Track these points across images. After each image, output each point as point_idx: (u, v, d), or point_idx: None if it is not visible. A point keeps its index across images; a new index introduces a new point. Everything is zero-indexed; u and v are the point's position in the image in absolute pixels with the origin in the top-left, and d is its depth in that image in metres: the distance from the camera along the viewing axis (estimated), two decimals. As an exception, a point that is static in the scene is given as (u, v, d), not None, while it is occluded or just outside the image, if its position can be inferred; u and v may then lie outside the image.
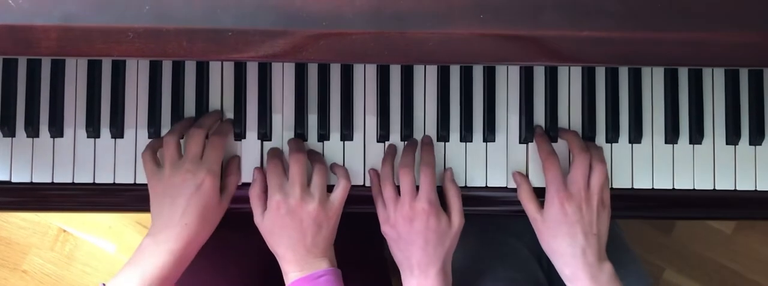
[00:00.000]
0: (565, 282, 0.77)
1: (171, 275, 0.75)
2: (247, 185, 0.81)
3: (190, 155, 0.76)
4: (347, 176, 0.80)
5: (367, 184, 0.82)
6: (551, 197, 0.77)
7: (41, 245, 1.50)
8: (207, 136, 0.79)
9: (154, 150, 0.79)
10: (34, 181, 0.81)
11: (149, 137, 0.82)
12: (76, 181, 0.81)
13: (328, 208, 0.77)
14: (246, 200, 0.80)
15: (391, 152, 0.82)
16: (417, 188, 0.78)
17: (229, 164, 0.81)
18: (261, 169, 0.81)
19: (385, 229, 0.79)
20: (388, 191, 0.79)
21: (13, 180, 0.81)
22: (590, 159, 0.78)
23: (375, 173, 0.82)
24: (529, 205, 0.79)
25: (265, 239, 0.78)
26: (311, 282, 0.75)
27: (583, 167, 0.77)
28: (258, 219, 0.78)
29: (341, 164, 0.82)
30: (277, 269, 0.78)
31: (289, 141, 0.81)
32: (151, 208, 0.77)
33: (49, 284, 1.49)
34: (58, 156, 0.81)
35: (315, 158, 0.80)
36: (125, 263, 0.75)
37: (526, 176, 0.82)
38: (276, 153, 0.80)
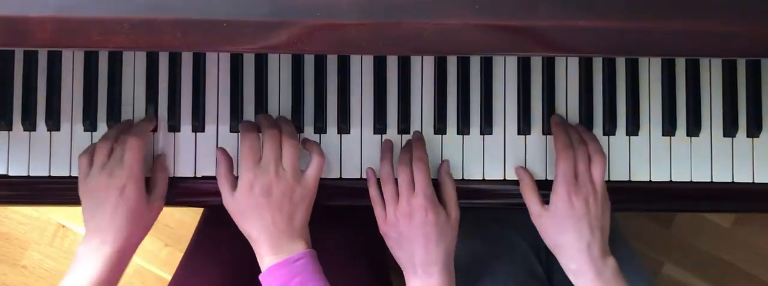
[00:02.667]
0: (570, 277, 0.77)
1: (110, 280, 0.74)
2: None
3: (113, 159, 0.76)
4: (321, 152, 0.78)
5: (365, 177, 0.82)
6: (560, 190, 0.76)
7: (40, 241, 1.50)
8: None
9: (91, 154, 0.78)
10: (31, 174, 0.81)
11: (147, 131, 0.82)
12: (73, 174, 0.81)
13: (303, 186, 0.76)
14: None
15: (388, 148, 0.81)
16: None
17: (155, 163, 0.80)
18: (224, 149, 0.80)
19: (385, 229, 0.78)
20: (389, 191, 0.78)
21: (10, 174, 0.81)
22: (588, 150, 0.77)
23: (372, 172, 0.81)
24: (531, 199, 0.78)
25: (235, 220, 0.76)
26: (288, 266, 0.73)
27: (585, 159, 0.77)
28: (227, 200, 0.77)
29: (338, 157, 0.82)
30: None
31: (260, 117, 0.80)
32: (83, 213, 0.77)
33: (48, 280, 1.49)
34: (55, 150, 0.81)
35: (285, 130, 0.78)
36: (65, 274, 0.74)
37: (525, 168, 0.82)
38: (251, 128, 0.77)
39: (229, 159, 0.79)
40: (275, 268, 0.74)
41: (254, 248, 0.76)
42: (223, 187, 0.77)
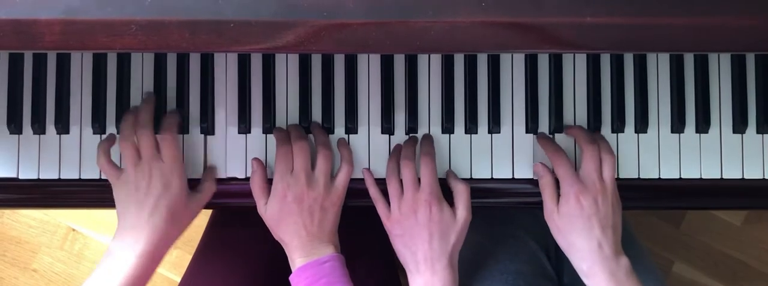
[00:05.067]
0: (582, 277, 0.76)
1: (141, 279, 0.74)
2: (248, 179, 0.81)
3: (146, 156, 0.76)
4: (351, 160, 0.80)
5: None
6: (566, 191, 0.76)
7: (51, 244, 1.50)
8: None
9: (107, 154, 0.79)
10: (41, 177, 0.82)
11: (155, 132, 0.81)
12: (82, 177, 0.82)
13: (333, 193, 0.78)
14: (248, 194, 0.80)
15: (397, 149, 0.82)
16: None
17: (207, 172, 0.81)
18: (259, 159, 0.81)
19: (389, 225, 0.79)
20: (393, 186, 0.79)
21: (21, 177, 0.82)
22: (599, 151, 0.77)
23: (368, 173, 0.81)
24: (547, 197, 0.78)
25: (269, 227, 0.78)
26: (316, 267, 0.75)
27: (594, 159, 0.77)
28: (261, 208, 0.79)
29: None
30: (283, 265, 0.78)
31: (291, 128, 0.81)
32: (117, 211, 0.77)
33: (59, 283, 1.50)
34: (65, 153, 0.82)
35: (319, 140, 0.80)
36: (95, 269, 0.75)
37: (545, 165, 0.81)
38: (285, 139, 0.79)
39: (264, 169, 0.80)
40: (304, 268, 0.75)
41: (287, 251, 0.78)
42: (259, 197, 0.79)
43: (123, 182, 0.77)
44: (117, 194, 0.77)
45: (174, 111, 0.81)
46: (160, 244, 0.75)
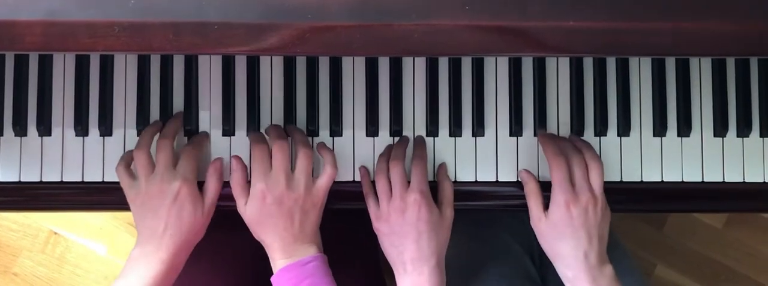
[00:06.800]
0: (566, 284, 0.77)
1: (164, 284, 0.75)
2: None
3: (161, 166, 0.76)
4: (334, 162, 0.79)
5: (357, 179, 0.82)
6: (557, 198, 0.76)
7: (32, 248, 1.49)
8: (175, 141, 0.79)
9: (127, 163, 0.79)
10: (22, 180, 0.81)
11: (138, 135, 0.81)
12: (64, 179, 0.81)
13: (315, 194, 0.77)
14: (231, 197, 0.79)
15: (388, 148, 0.82)
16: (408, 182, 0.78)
17: (208, 168, 0.80)
18: (239, 157, 0.80)
19: (377, 224, 0.79)
20: (381, 184, 0.78)
21: (1, 179, 0.81)
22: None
23: (365, 170, 0.82)
24: (533, 204, 0.78)
25: (249, 227, 0.78)
26: (299, 269, 0.75)
27: (582, 167, 0.77)
28: (241, 208, 0.78)
29: (331, 159, 0.82)
30: (269, 266, 0.78)
31: (270, 128, 0.81)
32: (134, 220, 0.77)
33: (40, 287, 1.49)
34: (47, 155, 0.81)
35: (298, 139, 0.79)
36: (118, 275, 0.75)
37: (529, 171, 0.81)
38: (260, 139, 0.79)
39: (244, 167, 0.79)
40: (286, 270, 0.75)
41: (268, 252, 0.77)
42: (238, 196, 0.78)
43: (135, 192, 0.77)
44: (131, 203, 0.78)
45: (205, 133, 0.81)
46: (179, 251, 0.76)
